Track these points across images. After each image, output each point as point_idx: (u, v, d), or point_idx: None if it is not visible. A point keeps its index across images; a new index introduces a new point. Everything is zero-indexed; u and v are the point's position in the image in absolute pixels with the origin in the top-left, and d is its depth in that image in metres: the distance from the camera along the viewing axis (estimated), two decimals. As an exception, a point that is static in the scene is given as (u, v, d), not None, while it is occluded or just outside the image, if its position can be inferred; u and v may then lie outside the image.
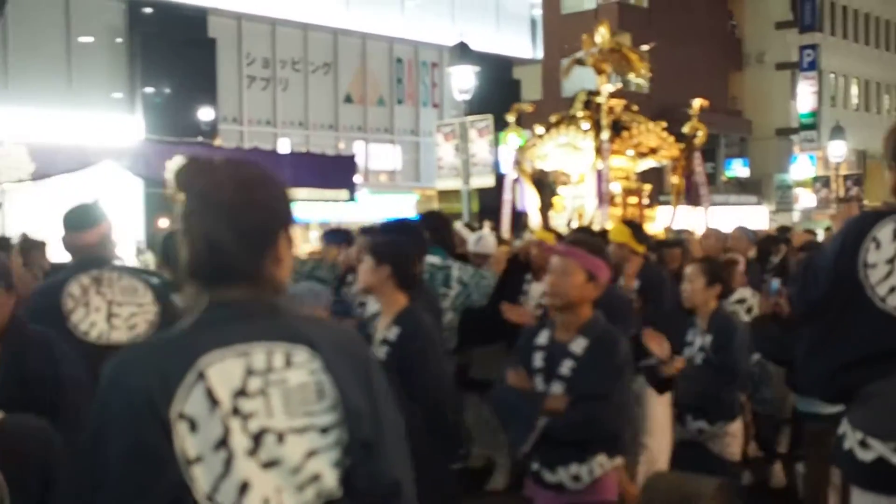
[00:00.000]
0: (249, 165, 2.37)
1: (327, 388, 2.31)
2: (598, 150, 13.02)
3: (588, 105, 13.70)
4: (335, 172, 26.45)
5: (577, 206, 13.59)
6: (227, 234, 2.27)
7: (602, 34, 14.15)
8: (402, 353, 4.80)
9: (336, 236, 9.08)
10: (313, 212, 25.75)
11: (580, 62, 14.50)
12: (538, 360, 4.69)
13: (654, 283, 7.70)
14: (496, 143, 18.28)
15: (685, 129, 14.40)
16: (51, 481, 2.66)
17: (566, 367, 4.59)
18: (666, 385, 6.02)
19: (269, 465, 2.22)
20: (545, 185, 15.14)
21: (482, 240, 8.95)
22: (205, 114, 27.20)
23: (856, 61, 54.24)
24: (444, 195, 29.27)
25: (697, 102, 14.19)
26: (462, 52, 21.45)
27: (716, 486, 4.62)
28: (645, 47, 15.87)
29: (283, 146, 29.38)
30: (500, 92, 28.53)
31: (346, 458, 2.32)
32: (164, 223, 24.63)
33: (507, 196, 14.43)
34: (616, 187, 13.66)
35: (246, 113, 29.46)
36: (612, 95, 13.97)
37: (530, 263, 8.08)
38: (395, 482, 2.41)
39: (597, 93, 13.78)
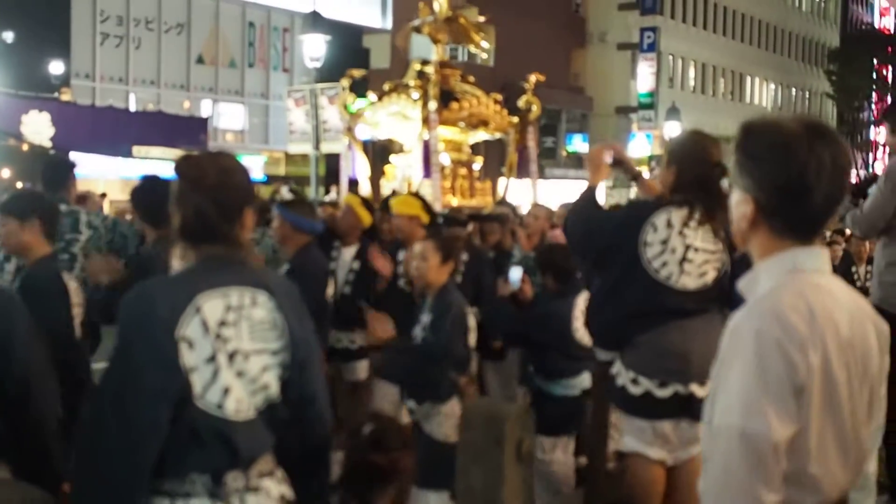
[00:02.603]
0: (226, 156, 3.24)
1: (279, 323, 3.16)
2: (426, 120, 12.80)
3: (421, 74, 13.32)
4: (186, 132, 26.61)
5: (406, 176, 13.39)
6: (211, 208, 3.09)
7: (440, 3, 13.93)
8: None
9: None
10: (163, 169, 25.91)
11: (417, 30, 14.18)
12: None
13: None
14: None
15: (520, 103, 14.21)
16: (10, 345, 3.41)
17: None
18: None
19: (238, 375, 3.04)
20: (387, 154, 14.67)
21: None
22: (57, 68, 27.25)
23: (693, 45, 55.59)
24: (292, 158, 29.72)
25: (533, 77, 14.08)
26: (314, 21, 21.80)
27: (519, 409, 5.26)
28: (481, 18, 15.69)
29: (134, 104, 29.57)
30: (349, 59, 28.69)
31: (285, 373, 3.17)
32: (6, 174, 24.86)
33: (343, 164, 14.37)
34: (445, 159, 13.41)
35: (99, 69, 29.53)
36: (448, 66, 13.85)
37: (336, 230, 8.13)
38: (314, 392, 3.29)
39: (430, 62, 13.53)
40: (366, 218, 8.05)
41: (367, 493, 4.08)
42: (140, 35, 30.47)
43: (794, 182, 2.40)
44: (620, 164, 5.49)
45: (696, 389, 4.80)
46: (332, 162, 19.29)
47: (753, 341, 2.34)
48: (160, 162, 24.69)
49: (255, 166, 31.14)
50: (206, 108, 32.02)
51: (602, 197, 5.53)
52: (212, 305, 3.02)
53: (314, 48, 21.58)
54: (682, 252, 4.87)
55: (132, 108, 28.88)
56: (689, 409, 4.81)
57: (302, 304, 3.33)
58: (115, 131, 24.49)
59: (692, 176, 4.87)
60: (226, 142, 32.08)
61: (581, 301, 6.65)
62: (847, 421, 2.41)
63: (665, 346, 4.87)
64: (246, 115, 33.73)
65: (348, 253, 7.95)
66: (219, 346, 3.01)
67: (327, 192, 19.31)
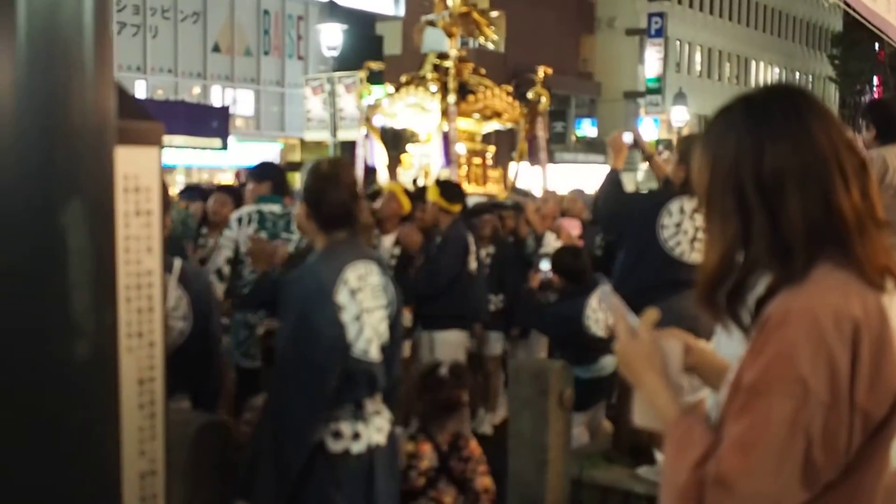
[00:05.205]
0: (342, 158, 4.58)
1: (386, 286, 4.20)
2: (445, 113, 13.25)
3: (437, 67, 13.77)
4: (208, 121, 26.92)
5: (423, 165, 13.68)
6: (349, 200, 4.08)
7: (454, -2, 14.19)
8: None
9: (192, 193, 9.72)
10: (184, 156, 26.68)
11: (432, 24, 14.41)
12: None
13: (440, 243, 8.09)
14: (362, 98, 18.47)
15: (530, 95, 14.51)
16: (210, 310, 4.50)
17: None
18: None
19: (371, 328, 4.06)
20: (398, 140, 15.26)
21: None
22: (74, 57, 27.61)
23: (700, 30, 55.65)
24: (307, 145, 30.04)
25: (542, 71, 14.35)
26: (331, 10, 22.21)
27: (560, 364, 5.93)
28: (494, 14, 15.92)
29: (145, 92, 29.86)
30: (363, 47, 29.16)
31: (389, 321, 4.20)
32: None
33: (359, 151, 14.46)
34: (461, 148, 13.66)
35: (116, 58, 29.87)
36: (462, 59, 14.11)
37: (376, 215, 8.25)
38: (401, 337, 4.45)
39: (446, 55, 13.88)
40: (407, 205, 8.44)
41: (438, 425, 5.07)
42: (157, 24, 30.86)
43: None
44: (637, 146, 6.56)
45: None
46: (348, 149, 19.61)
47: None
48: (183, 150, 25.23)
49: (272, 153, 31.60)
50: (216, 95, 32.44)
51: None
52: (351, 276, 4.00)
53: (331, 37, 22.04)
54: (692, 233, 5.83)
55: (145, 96, 29.21)
56: None
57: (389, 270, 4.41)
58: (141, 120, 24.79)
59: None
60: (237, 128, 32.35)
61: (594, 299, 7.22)
62: None
63: (678, 311, 5.66)
64: (256, 103, 34.14)
65: (388, 240, 8.17)
66: (359, 307, 3.99)
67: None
